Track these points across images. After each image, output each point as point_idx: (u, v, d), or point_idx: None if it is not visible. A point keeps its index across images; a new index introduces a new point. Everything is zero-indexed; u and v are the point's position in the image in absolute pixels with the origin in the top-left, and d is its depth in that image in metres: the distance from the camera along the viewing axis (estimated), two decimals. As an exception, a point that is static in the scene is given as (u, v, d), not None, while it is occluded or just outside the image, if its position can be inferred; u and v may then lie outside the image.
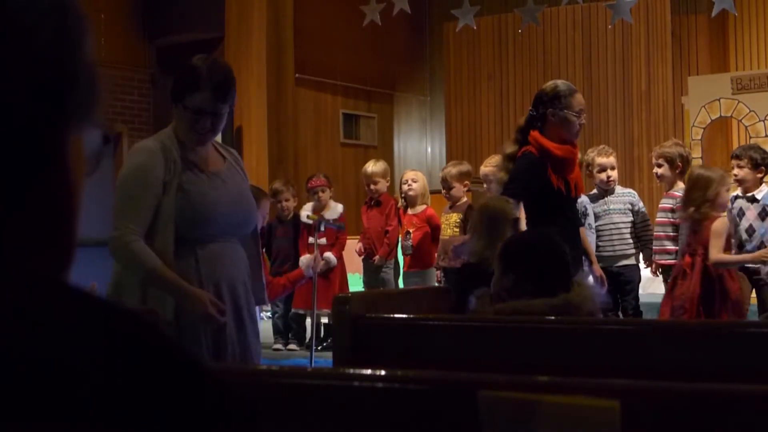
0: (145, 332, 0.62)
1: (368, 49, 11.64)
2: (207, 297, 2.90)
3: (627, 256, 6.15)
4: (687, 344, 2.49)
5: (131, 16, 10.89)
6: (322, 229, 6.58)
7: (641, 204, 6.34)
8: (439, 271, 6.92)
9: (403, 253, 7.21)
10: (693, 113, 8.86)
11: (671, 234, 5.98)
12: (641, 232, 6.21)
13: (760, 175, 5.65)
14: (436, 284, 6.78)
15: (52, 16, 0.66)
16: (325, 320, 7.54)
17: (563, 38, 11.10)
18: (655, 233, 6.07)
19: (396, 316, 2.87)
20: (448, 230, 6.82)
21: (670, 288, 5.32)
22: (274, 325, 7.68)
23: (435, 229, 7.00)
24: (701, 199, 5.13)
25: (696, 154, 8.10)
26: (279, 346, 7.55)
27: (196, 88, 2.96)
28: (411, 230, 7.08)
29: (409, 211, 7.18)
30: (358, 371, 1.83)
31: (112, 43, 10.28)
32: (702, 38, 10.87)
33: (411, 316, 2.94)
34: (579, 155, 4.72)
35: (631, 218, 6.21)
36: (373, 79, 12.14)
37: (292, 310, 7.57)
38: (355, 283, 7.76)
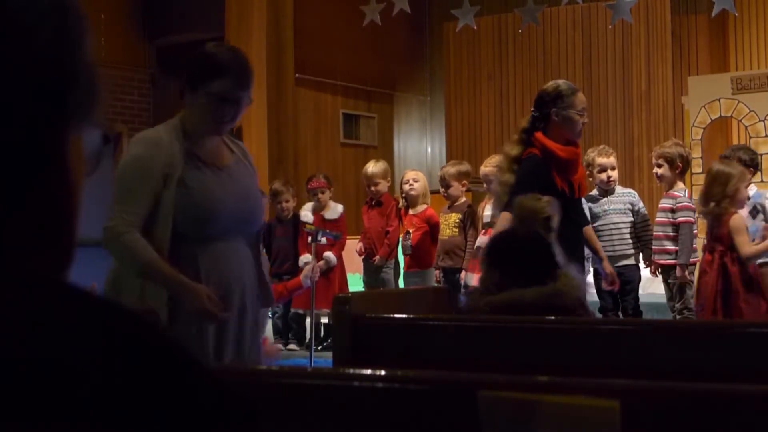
0: (145, 332, 0.62)
1: (368, 49, 11.63)
2: (204, 291, 2.77)
3: (627, 257, 6.15)
4: (687, 344, 2.49)
5: (131, 16, 10.89)
6: (320, 239, 6.58)
7: (641, 204, 6.34)
8: (438, 271, 6.92)
9: (403, 253, 7.21)
10: (693, 113, 8.85)
11: (671, 234, 5.98)
12: (641, 232, 6.21)
13: (749, 176, 5.67)
14: (436, 284, 6.77)
15: (52, 16, 0.66)
16: (325, 320, 7.54)
17: (563, 38, 11.10)
18: (654, 233, 6.07)
19: (396, 316, 2.87)
20: (448, 230, 6.82)
21: (697, 287, 5.35)
22: (274, 325, 7.68)
23: (434, 228, 7.00)
24: (720, 194, 5.14)
25: (696, 154, 8.09)
26: (279, 346, 7.55)
27: (218, 75, 2.83)
28: (411, 230, 7.08)
29: (410, 212, 7.18)
30: (358, 371, 1.83)
31: (112, 43, 10.28)
32: (702, 38, 10.86)
33: (411, 316, 2.94)
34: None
35: (631, 218, 6.21)
36: (373, 79, 12.14)
37: (292, 310, 7.57)
38: (355, 283, 7.76)
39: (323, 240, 6.81)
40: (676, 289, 5.98)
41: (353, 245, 7.62)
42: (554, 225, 3.89)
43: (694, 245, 6.00)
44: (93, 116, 0.70)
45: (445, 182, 6.88)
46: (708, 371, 2.32)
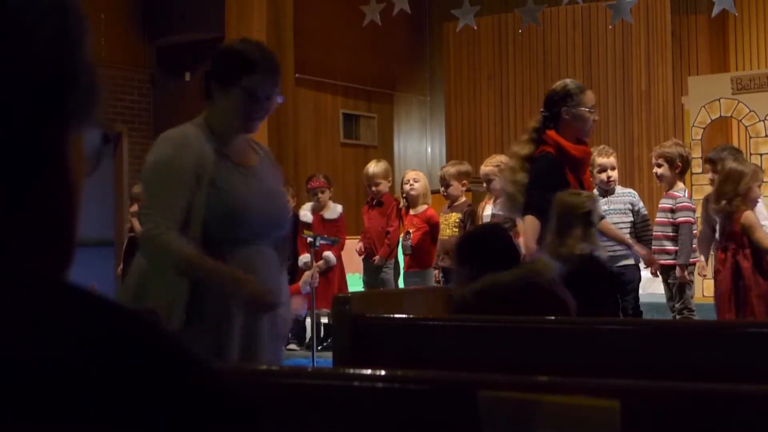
0: (145, 332, 0.62)
1: (368, 49, 11.63)
2: (254, 279, 2.65)
3: (627, 257, 6.14)
4: (687, 344, 2.48)
5: (131, 16, 10.89)
6: (318, 246, 6.57)
7: (641, 204, 6.34)
8: (438, 271, 6.92)
9: (403, 253, 7.21)
10: (693, 113, 8.85)
11: (671, 234, 5.98)
12: (641, 232, 6.20)
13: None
14: (436, 284, 6.77)
15: (52, 16, 0.67)
16: (325, 320, 7.54)
17: (563, 38, 11.10)
18: (654, 233, 6.07)
19: (396, 316, 2.87)
20: (447, 230, 6.82)
21: (714, 285, 5.37)
22: (274, 325, 7.67)
23: (434, 229, 7.00)
24: (732, 192, 5.14)
25: (696, 154, 8.09)
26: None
27: (252, 70, 2.75)
28: (411, 230, 7.08)
29: (411, 212, 7.18)
30: (358, 371, 1.83)
31: (112, 43, 10.28)
32: (702, 38, 10.86)
33: (411, 316, 2.94)
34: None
35: (631, 218, 6.20)
36: (373, 79, 12.14)
37: (292, 310, 7.57)
38: (355, 283, 7.75)
39: (318, 246, 6.80)
40: (676, 289, 5.98)
41: (353, 245, 7.62)
42: (595, 220, 3.90)
43: (694, 245, 6.00)
44: (93, 116, 0.70)
45: (445, 182, 6.88)
46: (708, 371, 2.32)
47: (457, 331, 2.81)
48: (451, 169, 6.93)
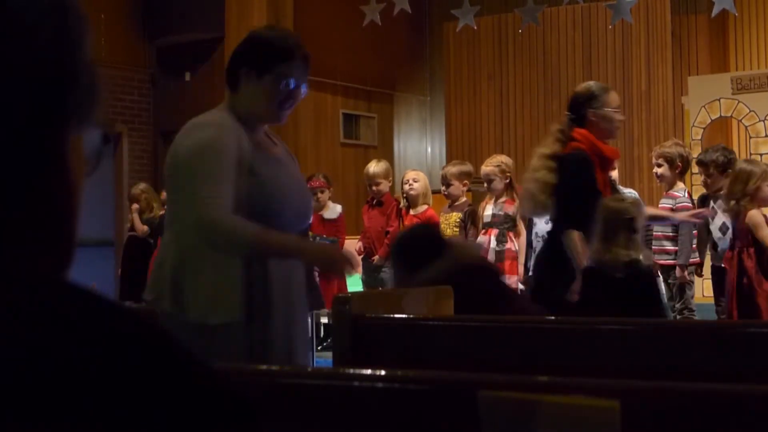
0: (145, 332, 0.62)
1: (368, 49, 11.63)
2: (325, 245, 2.60)
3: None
4: (687, 344, 2.48)
5: (131, 16, 10.89)
6: None
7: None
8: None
9: (404, 253, 7.21)
10: (693, 113, 8.86)
11: (670, 234, 5.98)
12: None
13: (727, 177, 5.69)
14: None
15: (52, 16, 0.67)
16: (324, 320, 7.54)
17: (563, 38, 11.10)
18: (654, 233, 6.06)
19: (396, 316, 2.87)
20: (448, 230, 6.82)
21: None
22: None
23: (435, 228, 7.00)
24: (741, 192, 5.14)
25: (696, 154, 8.09)
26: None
27: (288, 57, 2.69)
28: (411, 230, 7.08)
29: (411, 212, 7.17)
30: (358, 371, 1.83)
31: (112, 43, 10.28)
32: (702, 38, 10.86)
33: (411, 316, 2.94)
34: None
35: (631, 218, 6.21)
36: (373, 79, 12.14)
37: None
38: (355, 283, 7.75)
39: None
40: (676, 289, 5.98)
41: (353, 245, 7.62)
42: (639, 226, 3.88)
43: (694, 245, 6.00)
44: (93, 116, 0.70)
45: (446, 181, 6.88)
46: (708, 371, 2.32)
47: (457, 331, 2.80)
48: (453, 169, 6.93)
